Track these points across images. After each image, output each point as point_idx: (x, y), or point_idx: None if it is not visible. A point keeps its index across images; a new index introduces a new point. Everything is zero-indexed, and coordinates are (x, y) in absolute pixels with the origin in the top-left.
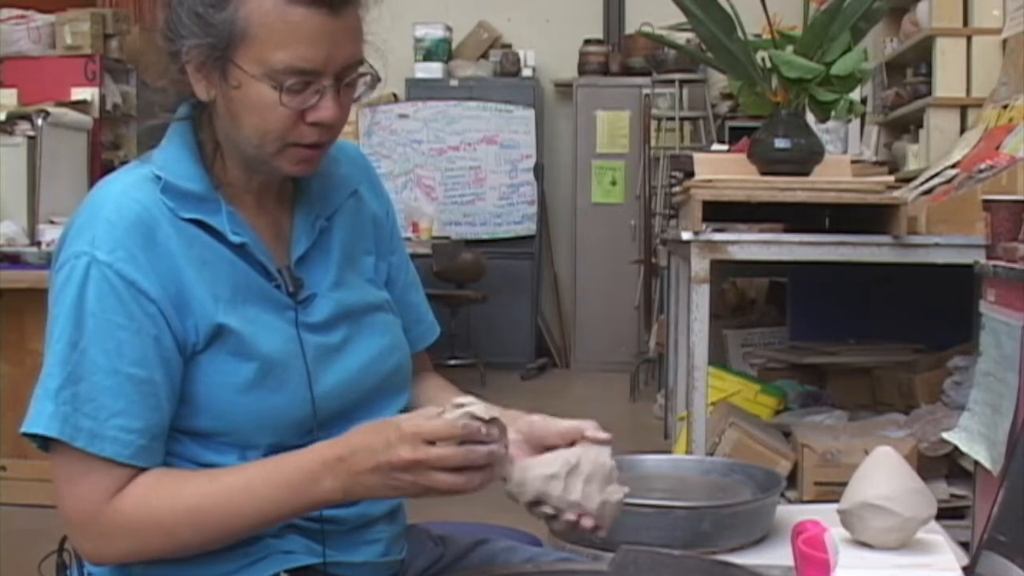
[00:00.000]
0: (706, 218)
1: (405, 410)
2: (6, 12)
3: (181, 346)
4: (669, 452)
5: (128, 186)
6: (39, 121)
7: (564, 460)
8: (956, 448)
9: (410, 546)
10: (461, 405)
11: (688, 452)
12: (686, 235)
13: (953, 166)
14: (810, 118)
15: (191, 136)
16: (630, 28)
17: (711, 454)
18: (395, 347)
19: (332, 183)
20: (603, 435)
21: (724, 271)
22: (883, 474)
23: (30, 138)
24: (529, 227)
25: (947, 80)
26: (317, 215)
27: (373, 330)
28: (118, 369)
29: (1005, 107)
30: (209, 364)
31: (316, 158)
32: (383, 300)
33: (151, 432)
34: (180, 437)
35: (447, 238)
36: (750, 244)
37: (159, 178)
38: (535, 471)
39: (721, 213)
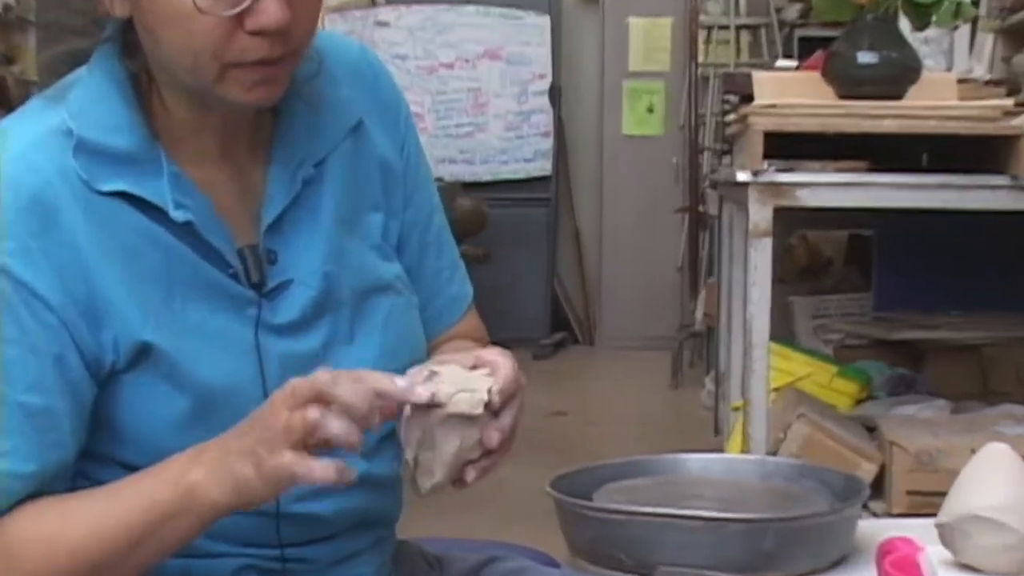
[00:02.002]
0: (768, 154)
1: None
2: None
3: (93, 365)
4: (721, 451)
5: (28, 147)
6: None
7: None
8: None
9: (399, 571)
10: (435, 373)
11: (745, 451)
12: (742, 176)
13: None
14: (904, 25)
15: (119, 66)
16: None
17: (774, 454)
18: (404, 345)
19: (324, 114)
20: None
21: (791, 222)
22: (995, 479)
23: None
24: (543, 166)
25: None
26: (301, 161)
27: (372, 324)
28: (5, 397)
29: None
30: (134, 389)
31: (276, 79)
32: (393, 277)
33: (45, 476)
34: (106, 462)
35: (439, 180)
36: (824, 187)
37: (72, 132)
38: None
39: (788, 148)
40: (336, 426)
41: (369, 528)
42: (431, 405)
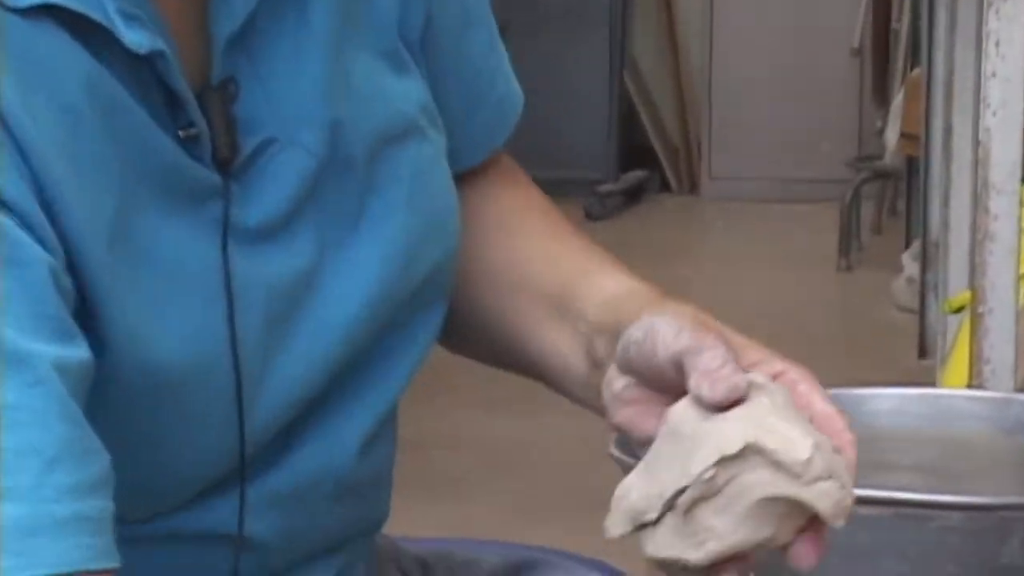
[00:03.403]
0: None
1: (452, 324)
2: None
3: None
4: (931, 384)
5: None
6: None
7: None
8: None
9: None
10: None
11: (975, 384)
12: None
13: None
14: None
15: None
16: None
17: None
18: (435, 231)
19: None
20: (775, 365)
21: None
22: None
23: None
24: None
25: None
26: None
27: (391, 200)
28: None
29: None
30: None
31: None
32: (416, 107)
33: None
34: None
35: None
36: None
37: None
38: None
39: None
40: None
41: (339, 551)
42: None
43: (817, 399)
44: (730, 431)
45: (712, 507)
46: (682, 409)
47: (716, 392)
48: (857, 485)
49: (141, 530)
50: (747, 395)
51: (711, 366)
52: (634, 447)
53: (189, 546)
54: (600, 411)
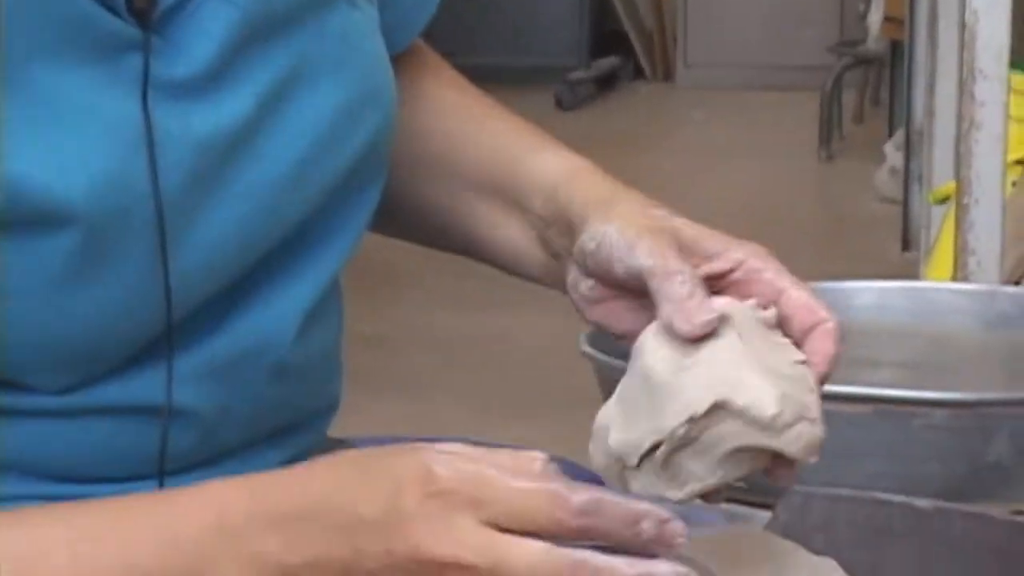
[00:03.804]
0: None
1: (393, 213)
2: None
3: None
4: (914, 277)
5: None
6: None
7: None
8: None
9: None
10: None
11: (959, 278)
12: None
13: None
14: None
15: None
16: None
17: (1016, 283)
18: (370, 102)
19: None
20: (735, 254)
21: None
22: None
23: None
24: None
25: None
26: None
27: (320, 65)
28: None
29: None
30: None
31: None
32: None
33: None
34: None
35: None
36: None
37: None
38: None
39: None
40: None
41: (285, 438)
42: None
43: (787, 285)
44: (698, 390)
45: (688, 453)
46: (653, 342)
47: (688, 328)
48: (838, 381)
49: (67, 401)
50: (717, 330)
51: (680, 294)
52: (615, 341)
53: (116, 419)
54: (564, 291)
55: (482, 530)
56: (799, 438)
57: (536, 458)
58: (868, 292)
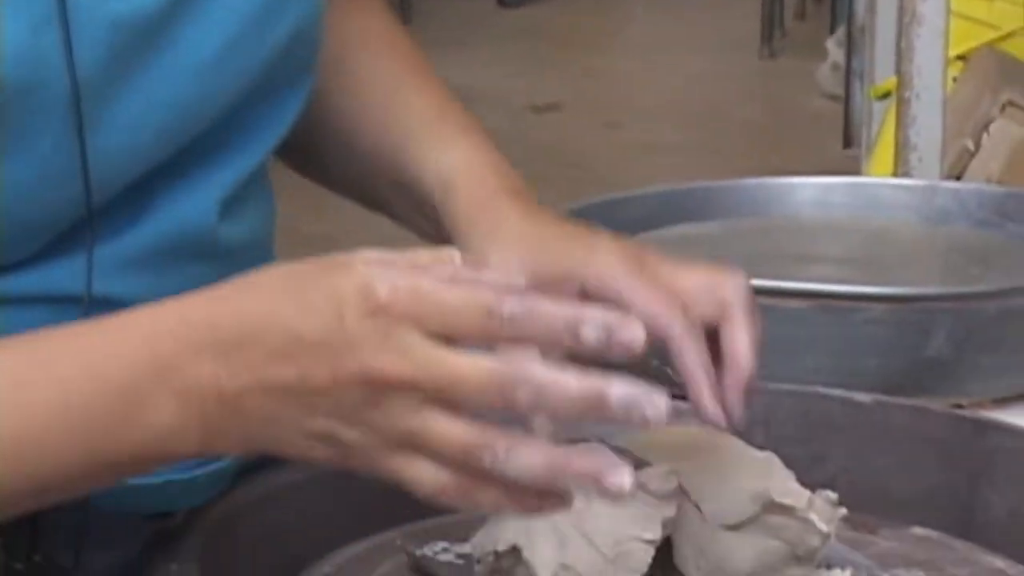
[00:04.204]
0: None
1: (315, 118)
2: None
3: None
4: (856, 173)
5: None
6: None
7: None
8: None
9: None
10: None
11: (900, 173)
12: None
13: None
14: None
15: None
16: None
17: (957, 177)
18: None
19: None
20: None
21: None
22: None
23: None
24: None
25: None
26: None
27: None
28: None
29: None
30: None
31: None
32: None
33: None
34: None
35: None
36: None
37: None
38: None
39: None
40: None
41: None
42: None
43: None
44: (507, 531)
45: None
46: None
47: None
48: (780, 276)
49: None
50: None
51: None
52: None
53: (35, 308)
54: None
55: (428, 346)
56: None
57: (452, 254)
58: (810, 188)
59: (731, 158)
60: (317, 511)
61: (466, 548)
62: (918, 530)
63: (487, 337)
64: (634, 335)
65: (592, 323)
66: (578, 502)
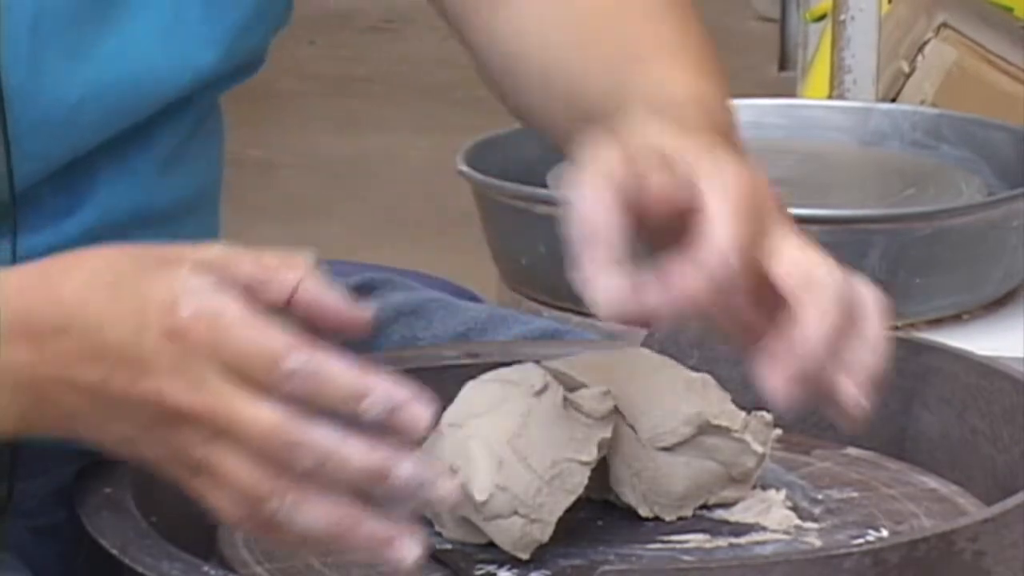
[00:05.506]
0: None
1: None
2: None
3: None
4: (792, 95)
5: None
6: None
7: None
8: None
9: None
10: None
11: (835, 96)
12: None
13: None
14: None
15: None
16: None
17: (893, 100)
18: None
19: None
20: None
21: None
22: None
23: None
24: None
25: None
26: None
27: None
28: None
29: None
30: None
31: None
32: None
33: None
34: None
35: None
36: None
37: None
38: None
39: None
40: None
41: None
42: None
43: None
44: (444, 452)
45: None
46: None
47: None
48: None
49: None
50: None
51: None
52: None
53: None
54: None
55: (219, 381)
56: (508, 531)
57: (299, 264)
58: (745, 110)
59: None
60: None
61: None
62: (852, 450)
63: (269, 386)
64: (417, 417)
65: (376, 397)
66: (513, 424)
